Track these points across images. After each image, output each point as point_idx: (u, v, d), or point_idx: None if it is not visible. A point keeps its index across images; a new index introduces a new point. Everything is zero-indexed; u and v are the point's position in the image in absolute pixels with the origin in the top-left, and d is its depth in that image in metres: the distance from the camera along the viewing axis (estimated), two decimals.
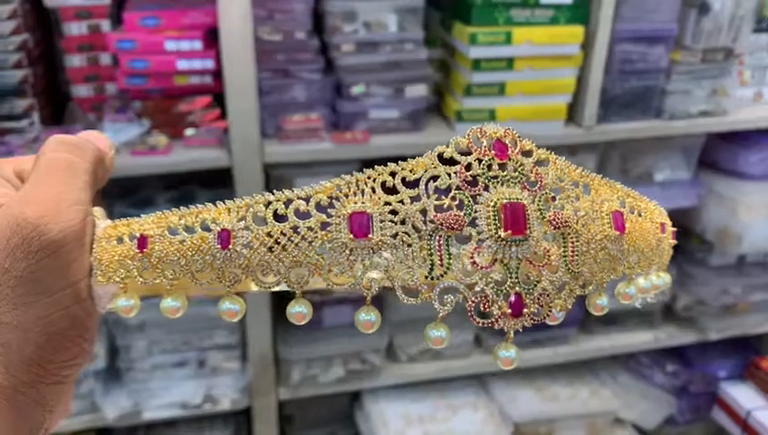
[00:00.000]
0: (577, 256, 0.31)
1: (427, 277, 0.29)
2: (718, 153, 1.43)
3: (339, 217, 0.29)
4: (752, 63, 1.33)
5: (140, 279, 0.31)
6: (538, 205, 0.31)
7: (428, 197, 0.30)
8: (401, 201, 0.30)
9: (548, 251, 0.30)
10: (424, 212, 0.30)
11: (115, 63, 1.16)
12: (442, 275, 0.29)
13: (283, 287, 0.30)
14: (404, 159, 0.30)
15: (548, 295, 0.30)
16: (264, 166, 1.15)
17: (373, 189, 0.30)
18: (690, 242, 1.52)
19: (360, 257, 0.29)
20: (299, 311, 0.31)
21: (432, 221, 0.29)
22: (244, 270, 0.30)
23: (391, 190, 0.30)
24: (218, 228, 0.30)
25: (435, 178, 0.30)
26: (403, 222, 0.30)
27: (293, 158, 1.16)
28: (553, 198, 0.31)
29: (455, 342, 1.43)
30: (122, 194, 1.27)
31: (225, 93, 1.11)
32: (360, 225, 0.29)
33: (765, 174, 1.38)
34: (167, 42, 1.13)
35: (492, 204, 0.30)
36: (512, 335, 0.31)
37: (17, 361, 0.29)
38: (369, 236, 0.29)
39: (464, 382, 1.55)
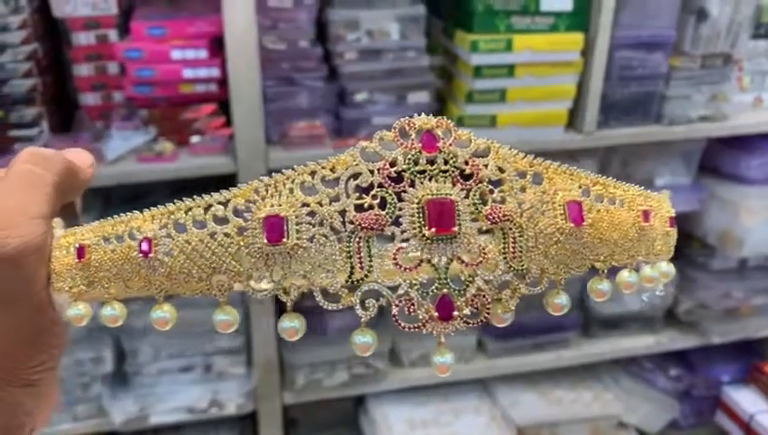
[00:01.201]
0: (521, 252, 0.29)
1: (347, 281, 0.28)
2: (719, 158, 1.44)
3: (254, 221, 0.28)
4: (751, 69, 1.35)
5: (83, 288, 0.30)
6: (473, 199, 0.29)
7: (348, 196, 0.28)
8: (320, 202, 0.28)
9: (483, 248, 0.29)
10: (343, 213, 0.28)
11: (122, 72, 1.18)
12: (362, 279, 0.28)
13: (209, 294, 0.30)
14: None
15: (484, 296, 0.29)
16: (269, 172, 1.16)
17: (291, 190, 0.29)
18: (692, 246, 1.52)
19: (278, 262, 0.28)
20: (223, 319, 0.30)
21: (351, 222, 0.28)
22: (168, 278, 0.29)
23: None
24: (141, 236, 0.29)
25: (356, 175, 0.29)
26: (321, 223, 0.28)
27: (298, 164, 1.17)
28: (491, 191, 0.29)
29: (457, 346, 1.44)
30: (130, 200, 1.29)
31: (230, 101, 1.13)
32: (275, 228, 0.28)
33: (766, 178, 1.39)
34: (173, 51, 1.15)
35: (416, 201, 0.28)
36: (443, 340, 0.29)
37: None
38: (284, 240, 0.28)
39: (467, 386, 1.56)
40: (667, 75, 1.26)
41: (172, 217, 0.29)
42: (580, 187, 0.31)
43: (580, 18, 1.18)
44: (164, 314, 0.30)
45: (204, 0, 1.23)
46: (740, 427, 1.59)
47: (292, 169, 0.29)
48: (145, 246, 0.29)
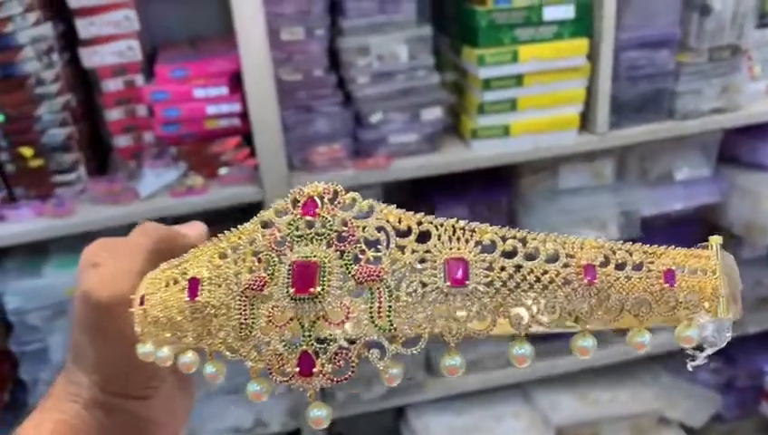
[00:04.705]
0: (388, 311, 0.29)
1: (238, 336, 0.31)
2: (737, 147, 1.44)
3: (184, 281, 0.33)
4: (760, 58, 1.35)
5: (140, 330, 0.36)
6: (346, 260, 0.30)
7: (244, 260, 0.32)
8: (227, 266, 0.32)
9: (348, 308, 0.30)
10: (239, 275, 0.32)
11: (150, 114, 1.24)
12: (248, 335, 0.31)
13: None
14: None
15: (346, 353, 0.30)
16: None
17: (212, 255, 0.33)
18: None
19: (197, 318, 0.33)
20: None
21: (241, 283, 0.32)
22: (155, 326, 0.35)
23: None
24: (140, 294, 0.36)
25: (252, 241, 0.32)
26: (222, 285, 0.32)
27: None
28: (363, 251, 0.31)
29: (495, 353, 1.46)
30: None
31: (252, 133, 1.18)
32: (192, 289, 0.33)
33: None
34: (196, 90, 1.21)
35: (289, 263, 0.31)
36: (310, 395, 0.31)
37: (103, 383, 0.39)
38: (197, 298, 0.32)
39: (505, 392, 1.58)
40: (675, 72, 1.28)
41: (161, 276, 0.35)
42: (478, 243, 0.30)
43: (584, 24, 1.21)
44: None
45: (222, 40, 1.30)
46: None
47: (216, 237, 0.34)
48: (141, 301, 0.35)
